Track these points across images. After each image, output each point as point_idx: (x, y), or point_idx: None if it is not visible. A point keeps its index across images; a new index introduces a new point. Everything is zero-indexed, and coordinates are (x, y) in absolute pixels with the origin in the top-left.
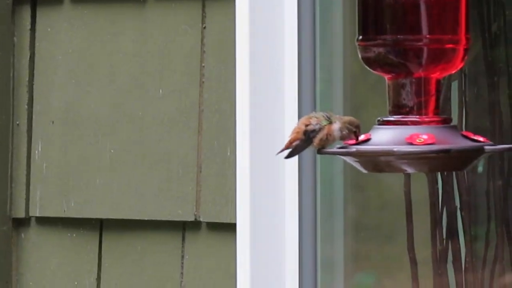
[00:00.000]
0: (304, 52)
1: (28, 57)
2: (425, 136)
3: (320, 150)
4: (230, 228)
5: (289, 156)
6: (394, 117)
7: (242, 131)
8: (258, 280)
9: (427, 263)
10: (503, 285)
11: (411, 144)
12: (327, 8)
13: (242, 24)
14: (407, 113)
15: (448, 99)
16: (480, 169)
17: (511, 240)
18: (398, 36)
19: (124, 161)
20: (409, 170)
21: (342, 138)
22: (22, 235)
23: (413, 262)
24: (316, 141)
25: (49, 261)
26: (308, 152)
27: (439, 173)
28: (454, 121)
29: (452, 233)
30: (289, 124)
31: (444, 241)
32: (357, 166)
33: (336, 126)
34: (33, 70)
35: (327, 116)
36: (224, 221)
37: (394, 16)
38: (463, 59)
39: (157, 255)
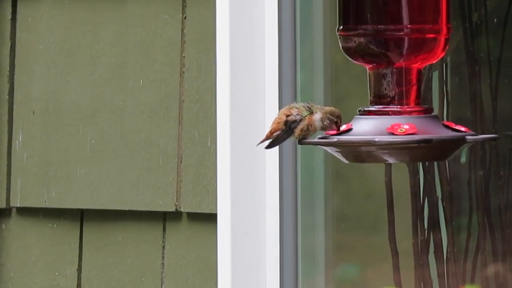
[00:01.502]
0: (285, 42)
1: (9, 47)
2: (406, 126)
3: (301, 141)
4: (210, 218)
5: (269, 146)
6: (375, 107)
7: (222, 122)
8: (239, 270)
9: (408, 254)
10: (485, 276)
11: (392, 134)
12: None
13: (222, 14)
14: (388, 103)
15: (429, 89)
16: (463, 159)
17: (493, 231)
18: (379, 26)
19: (104, 151)
20: (391, 160)
21: (323, 128)
22: (3, 225)
23: (395, 252)
24: (297, 131)
25: (30, 252)
26: (289, 142)
27: (420, 163)
28: (435, 111)
29: (434, 223)
30: (270, 114)
31: (426, 231)
32: (339, 156)
33: (317, 116)
34: (13, 60)
35: (308, 107)
36: (205, 212)
37: (375, 6)
38: (444, 48)
39: (138, 245)
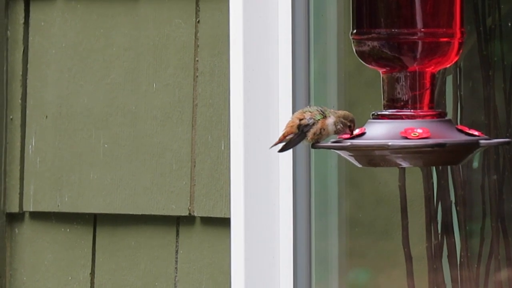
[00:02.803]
0: (298, 46)
1: (22, 51)
2: (419, 130)
3: (314, 144)
4: (224, 222)
5: (282, 150)
6: (388, 111)
7: (236, 126)
8: (252, 275)
9: (422, 259)
10: (498, 281)
11: (405, 138)
12: (322, 2)
13: (236, 18)
14: (402, 107)
15: (443, 93)
16: (475, 164)
17: (506, 236)
18: (393, 30)
19: (117, 155)
20: (404, 164)
21: (337, 132)
22: (16, 230)
23: (408, 257)
24: (310, 135)
25: (43, 256)
26: (303, 146)
27: (434, 167)
28: (449, 116)
29: (447, 228)
30: (283, 118)
31: (439, 236)
32: (352, 160)
33: (330, 120)
34: (26, 65)
35: (321, 111)
36: (218, 216)
37: (389, 10)
38: (457, 52)
39: (151, 249)
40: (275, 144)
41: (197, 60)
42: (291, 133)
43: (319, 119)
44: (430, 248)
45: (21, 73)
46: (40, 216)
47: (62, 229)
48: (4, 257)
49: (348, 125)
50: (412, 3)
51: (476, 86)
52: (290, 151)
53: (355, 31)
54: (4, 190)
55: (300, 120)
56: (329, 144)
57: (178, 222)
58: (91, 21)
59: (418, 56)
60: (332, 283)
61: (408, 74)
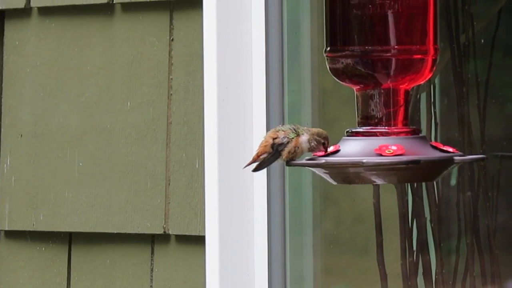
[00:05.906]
0: (272, 64)
1: None
2: (394, 147)
3: (289, 162)
4: (199, 240)
5: (256, 169)
6: (363, 128)
7: (210, 144)
8: None
9: (397, 276)
10: None
11: (380, 155)
12: (295, 19)
13: (209, 36)
14: (376, 124)
15: (417, 110)
16: (453, 181)
17: (481, 253)
18: (366, 47)
19: (92, 174)
20: (379, 181)
21: (311, 149)
22: None
23: (383, 274)
24: (284, 154)
25: (18, 275)
26: (277, 164)
27: (408, 185)
28: (423, 132)
29: (423, 245)
30: (257, 137)
31: (415, 253)
32: (327, 177)
33: (304, 138)
34: (1, 83)
35: (294, 129)
36: (193, 234)
37: (362, 27)
38: (431, 69)
39: (126, 268)
40: (249, 164)
41: (171, 78)
42: (265, 152)
43: (293, 138)
44: (405, 266)
45: None
46: (15, 235)
47: (38, 248)
48: None
49: (322, 142)
50: (386, 21)
51: (451, 103)
52: (264, 169)
53: (328, 48)
54: None
55: (274, 139)
56: (304, 161)
57: (153, 240)
58: (65, 40)
59: (392, 73)
60: None
61: (382, 91)
